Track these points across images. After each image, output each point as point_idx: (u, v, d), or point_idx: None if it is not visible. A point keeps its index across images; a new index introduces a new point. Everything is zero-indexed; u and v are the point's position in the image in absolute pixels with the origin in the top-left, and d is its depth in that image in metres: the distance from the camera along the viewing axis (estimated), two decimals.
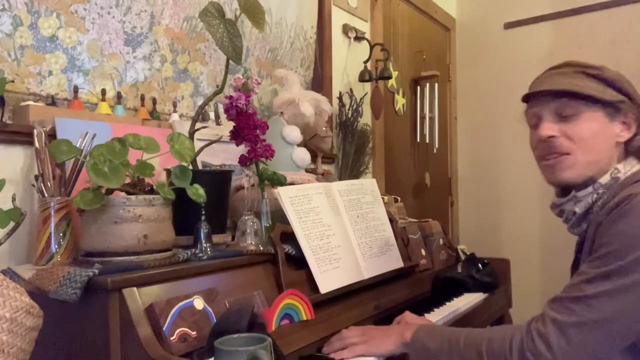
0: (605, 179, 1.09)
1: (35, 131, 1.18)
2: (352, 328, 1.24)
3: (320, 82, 2.27)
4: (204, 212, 1.19)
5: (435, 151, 3.21)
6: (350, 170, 2.29)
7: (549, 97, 1.12)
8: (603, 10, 3.07)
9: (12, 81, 1.28)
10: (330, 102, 2.08)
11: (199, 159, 1.42)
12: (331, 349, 1.18)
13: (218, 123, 1.67)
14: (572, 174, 1.11)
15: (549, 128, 1.11)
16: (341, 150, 2.32)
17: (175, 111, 1.63)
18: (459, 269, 1.92)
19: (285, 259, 1.28)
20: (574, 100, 1.09)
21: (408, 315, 1.36)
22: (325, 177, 1.95)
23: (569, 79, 1.11)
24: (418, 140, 3.16)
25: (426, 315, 1.52)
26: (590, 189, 1.10)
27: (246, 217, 1.31)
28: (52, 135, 1.23)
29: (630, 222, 0.95)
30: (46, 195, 1.16)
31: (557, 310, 0.98)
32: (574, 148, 1.10)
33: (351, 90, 2.42)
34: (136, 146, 1.13)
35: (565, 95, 1.10)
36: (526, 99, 1.18)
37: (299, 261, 1.32)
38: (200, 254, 1.16)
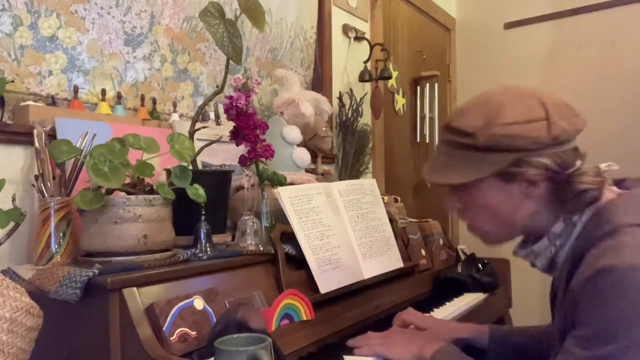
0: (558, 227, 0.97)
1: (35, 131, 1.18)
2: (376, 333, 1.24)
3: (320, 82, 2.27)
4: (204, 212, 1.19)
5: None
6: (350, 170, 2.29)
7: None
8: (603, 10, 3.07)
9: (12, 81, 1.28)
10: (330, 102, 2.08)
11: (199, 159, 1.42)
12: (354, 343, 1.20)
13: (218, 123, 1.67)
14: (495, 241, 1.04)
15: (450, 200, 1.05)
16: (341, 150, 2.32)
17: (175, 111, 1.63)
18: (459, 269, 1.92)
19: (285, 259, 1.28)
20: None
21: (411, 311, 1.37)
22: (325, 177, 1.95)
23: (442, 158, 1.00)
24: (418, 140, 3.16)
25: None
26: (545, 241, 0.99)
27: (246, 217, 1.31)
28: (52, 135, 1.23)
29: (612, 304, 0.84)
30: (46, 195, 1.16)
31: None
32: (476, 223, 1.04)
33: (351, 90, 2.42)
34: (136, 146, 1.13)
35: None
36: None
37: (299, 261, 1.32)
38: (200, 254, 1.16)
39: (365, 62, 2.48)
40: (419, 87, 3.17)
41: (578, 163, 0.94)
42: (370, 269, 1.50)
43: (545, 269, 1.03)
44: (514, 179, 0.95)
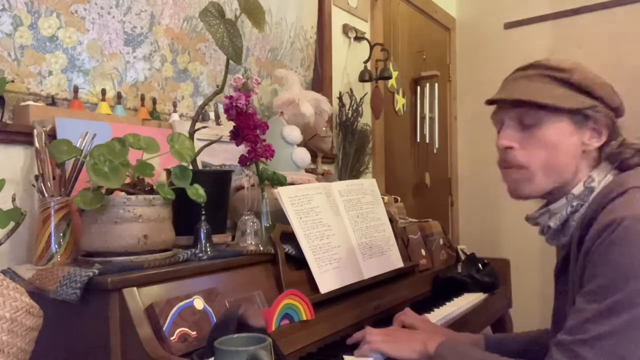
0: (578, 189, 1.03)
1: (35, 131, 1.18)
2: (376, 329, 1.23)
3: (320, 82, 2.27)
4: (204, 212, 1.19)
5: (435, 151, 3.21)
6: (350, 170, 2.29)
7: (511, 103, 1.05)
8: (603, 10, 3.07)
9: (12, 81, 1.28)
10: (330, 102, 2.08)
11: (199, 159, 1.42)
12: (353, 340, 1.20)
13: (218, 123, 1.67)
14: (530, 189, 1.05)
15: (506, 137, 1.06)
16: (341, 150, 2.32)
17: (175, 111, 1.63)
18: (459, 269, 1.92)
19: (285, 259, 1.28)
20: (535, 109, 1.02)
21: (409, 312, 1.37)
22: (325, 177, 1.95)
23: (533, 84, 1.04)
24: (418, 140, 3.16)
25: (426, 315, 1.52)
26: (563, 200, 1.04)
27: (246, 217, 1.31)
28: (52, 135, 1.23)
29: (622, 251, 0.89)
30: (46, 195, 1.16)
31: (565, 355, 0.92)
32: (529, 161, 1.04)
33: (351, 90, 2.42)
34: (136, 146, 1.13)
35: (527, 103, 1.03)
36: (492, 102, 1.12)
37: (299, 261, 1.32)
38: (200, 254, 1.16)
39: (365, 62, 2.48)
40: (419, 87, 3.17)
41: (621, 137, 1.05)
42: (370, 269, 1.50)
43: (555, 234, 1.07)
44: (584, 124, 1.02)
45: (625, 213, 0.90)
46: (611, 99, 1.03)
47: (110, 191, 1.08)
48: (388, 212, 1.72)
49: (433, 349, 1.11)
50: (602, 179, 1.03)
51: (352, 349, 1.19)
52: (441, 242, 2.07)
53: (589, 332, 0.90)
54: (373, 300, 1.48)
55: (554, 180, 1.04)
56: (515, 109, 1.05)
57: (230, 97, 1.29)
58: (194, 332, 0.98)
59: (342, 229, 1.48)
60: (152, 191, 1.12)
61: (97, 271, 0.96)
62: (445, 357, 1.08)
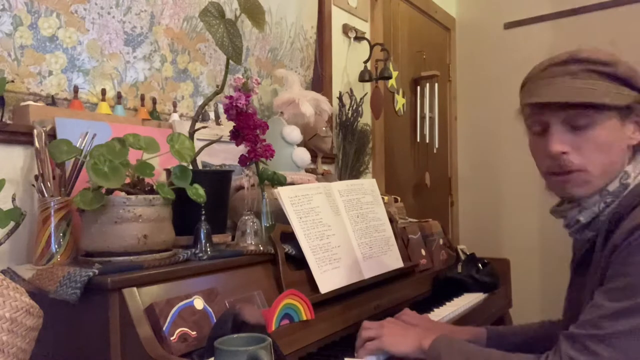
0: (613, 186, 1.00)
1: (35, 131, 1.18)
2: (371, 322, 1.22)
3: (320, 82, 2.27)
4: (204, 212, 1.19)
5: (435, 151, 3.21)
6: (350, 170, 2.29)
7: (559, 103, 0.99)
8: (603, 10, 3.07)
9: (12, 81, 1.28)
10: (330, 102, 2.08)
11: (199, 159, 1.42)
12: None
13: (218, 123, 1.67)
14: (587, 190, 1.01)
15: (560, 142, 0.99)
16: (341, 150, 2.32)
17: (175, 111, 1.63)
18: (459, 269, 1.92)
19: (285, 259, 1.28)
20: (587, 109, 0.97)
21: (407, 312, 1.36)
22: (325, 177, 1.95)
23: (580, 82, 0.98)
24: (418, 140, 3.16)
25: (427, 315, 1.52)
26: (597, 197, 1.00)
27: (246, 217, 1.31)
28: (52, 135, 1.23)
29: None
30: (46, 195, 1.16)
31: (576, 349, 0.91)
32: (587, 163, 0.99)
33: (351, 90, 2.42)
34: (136, 146, 1.13)
35: (579, 105, 0.97)
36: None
37: (299, 261, 1.32)
38: (200, 254, 1.16)
39: (365, 62, 2.48)
40: (419, 87, 3.17)
41: None
42: (370, 269, 1.50)
43: (581, 228, 1.04)
44: (628, 118, 0.99)
45: None
46: None
47: (110, 191, 1.08)
48: (388, 212, 1.72)
49: (428, 344, 1.11)
50: (637, 174, 1.00)
51: (352, 349, 1.19)
52: (441, 242, 2.07)
53: (604, 329, 0.89)
54: (373, 300, 1.48)
55: (609, 178, 1.00)
56: (564, 110, 0.99)
57: (230, 97, 1.29)
58: (194, 332, 0.98)
59: (342, 229, 1.48)
60: (152, 191, 1.12)
61: (97, 271, 0.96)
62: (440, 352, 1.08)
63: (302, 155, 1.63)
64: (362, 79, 2.47)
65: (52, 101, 1.35)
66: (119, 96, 1.50)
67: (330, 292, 1.32)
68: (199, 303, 1.02)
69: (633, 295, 0.87)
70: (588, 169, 0.99)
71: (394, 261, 1.62)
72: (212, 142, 1.38)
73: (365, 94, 2.47)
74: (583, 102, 0.96)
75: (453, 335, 1.25)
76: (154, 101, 1.60)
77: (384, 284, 1.55)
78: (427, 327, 1.25)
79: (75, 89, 1.39)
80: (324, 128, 1.97)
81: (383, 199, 1.76)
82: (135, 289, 0.96)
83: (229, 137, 1.34)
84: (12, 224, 1.06)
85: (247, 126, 1.30)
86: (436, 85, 3.16)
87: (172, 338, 0.94)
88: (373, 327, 1.20)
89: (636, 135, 1.01)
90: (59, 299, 0.96)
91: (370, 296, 1.48)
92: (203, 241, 1.18)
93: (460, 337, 1.27)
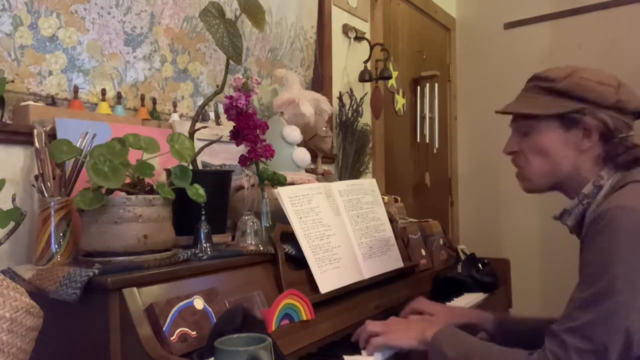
0: (587, 189, 1.10)
1: (35, 131, 1.18)
2: (375, 321, 1.25)
3: (320, 82, 2.27)
4: (204, 212, 1.19)
5: (435, 151, 3.21)
6: (350, 170, 2.29)
7: (511, 114, 1.20)
8: (603, 10, 3.07)
9: (12, 81, 1.28)
10: (330, 102, 2.08)
11: (199, 159, 1.42)
12: (357, 337, 1.23)
13: (218, 123, 1.67)
14: (530, 185, 1.19)
15: (509, 145, 1.21)
16: (341, 150, 2.32)
17: (175, 111, 1.63)
18: (459, 269, 1.91)
19: (285, 259, 1.28)
20: (528, 119, 1.15)
21: (420, 300, 1.42)
22: (325, 177, 1.95)
23: (527, 96, 1.17)
24: (418, 140, 3.16)
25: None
26: (576, 201, 1.12)
27: (246, 217, 1.31)
28: (52, 135, 1.23)
29: (606, 239, 0.93)
30: (46, 195, 1.16)
31: (556, 343, 0.96)
32: (526, 162, 1.17)
33: (351, 90, 2.42)
34: (136, 146, 1.13)
35: (519, 116, 1.18)
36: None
37: (299, 261, 1.32)
38: (200, 254, 1.16)
39: (365, 62, 2.48)
40: (419, 87, 3.17)
41: (631, 133, 1.09)
42: (370, 269, 1.50)
43: (575, 229, 1.15)
44: (573, 126, 1.10)
45: (614, 204, 0.96)
46: (603, 98, 1.07)
47: (110, 191, 1.08)
48: (388, 212, 1.72)
49: (430, 336, 1.14)
50: (611, 176, 1.08)
51: (352, 349, 1.20)
52: (441, 242, 2.07)
53: (577, 319, 0.94)
54: (373, 300, 1.48)
55: (553, 177, 1.14)
56: (515, 119, 1.20)
57: (230, 97, 1.29)
58: (194, 332, 0.98)
59: (342, 229, 1.48)
60: (152, 191, 1.12)
61: (97, 271, 0.96)
62: (442, 344, 1.11)
63: (302, 155, 1.63)
64: (362, 79, 2.47)
65: (52, 101, 1.35)
66: (119, 96, 1.50)
67: (330, 292, 1.32)
68: (199, 303, 1.02)
69: (595, 282, 0.93)
70: (527, 168, 1.17)
71: (394, 261, 1.62)
72: (212, 142, 1.38)
73: (365, 94, 2.47)
74: (515, 112, 1.18)
75: (464, 317, 1.35)
76: (154, 101, 1.60)
77: (384, 284, 1.55)
78: (430, 321, 1.30)
79: (75, 89, 1.39)
80: (324, 128, 1.97)
81: (383, 199, 1.76)
82: (135, 289, 0.96)
83: (229, 137, 1.34)
84: (12, 224, 1.06)
85: (247, 126, 1.30)
86: (436, 85, 3.17)
87: (172, 338, 0.94)
88: (377, 324, 1.23)
89: (584, 143, 1.10)
90: (59, 299, 0.96)
91: (370, 296, 1.48)
92: (203, 241, 1.18)
93: (471, 318, 1.37)
